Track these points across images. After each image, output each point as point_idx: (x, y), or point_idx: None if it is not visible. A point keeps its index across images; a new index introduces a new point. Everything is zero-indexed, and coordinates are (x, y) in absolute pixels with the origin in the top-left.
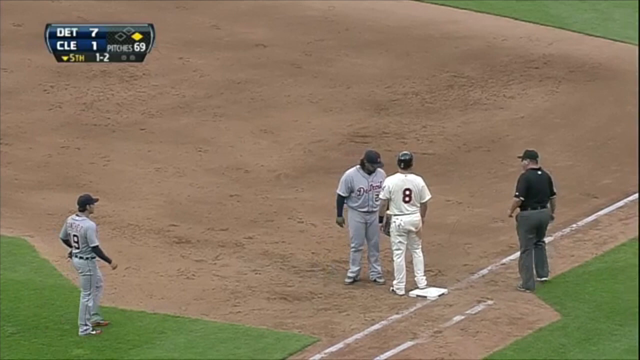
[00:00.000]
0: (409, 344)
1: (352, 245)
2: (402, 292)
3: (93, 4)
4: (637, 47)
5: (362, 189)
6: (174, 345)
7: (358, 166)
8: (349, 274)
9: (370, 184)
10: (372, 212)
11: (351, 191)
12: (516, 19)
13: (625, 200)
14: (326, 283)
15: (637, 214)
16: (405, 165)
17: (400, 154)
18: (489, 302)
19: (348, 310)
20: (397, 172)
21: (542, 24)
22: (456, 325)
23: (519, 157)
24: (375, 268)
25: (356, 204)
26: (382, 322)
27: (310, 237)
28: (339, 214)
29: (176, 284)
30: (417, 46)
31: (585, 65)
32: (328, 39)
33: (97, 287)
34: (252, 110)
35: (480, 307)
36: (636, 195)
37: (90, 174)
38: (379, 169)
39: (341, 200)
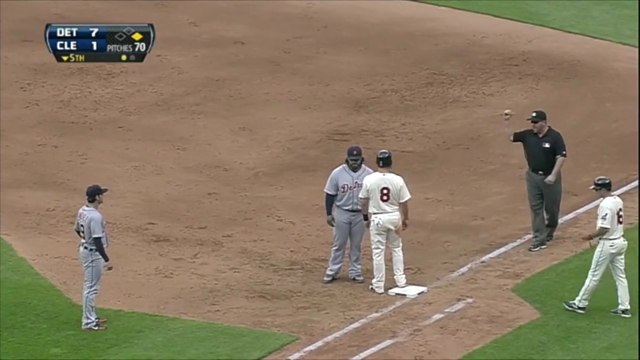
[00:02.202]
0: (389, 342)
1: (335, 244)
2: (382, 291)
3: (72, 3)
4: (637, 48)
5: (346, 186)
6: (152, 344)
7: (344, 164)
8: (328, 272)
9: (355, 181)
10: (357, 210)
11: (337, 189)
12: (496, 16)
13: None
14: (305, 281)
15: (637, 209)
16: (384, 163)
17: (379, 152)
18: (469, 300)
19: (327, 309)
20: (377, 170)
21: (521, 22)
22: (436, 324)
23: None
24: (355, 267)
25: (340, 202)
26: (362, 320)
27: (289, 236)
28: (328, 213)
29: (154, 283)
30: (396, 43)
31: (564, 63)
32: (307, 36)
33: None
34: (230, 107)
35: (459, 305)
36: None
37: (68, 172)
38: (367, 168)
39: (330, 199)
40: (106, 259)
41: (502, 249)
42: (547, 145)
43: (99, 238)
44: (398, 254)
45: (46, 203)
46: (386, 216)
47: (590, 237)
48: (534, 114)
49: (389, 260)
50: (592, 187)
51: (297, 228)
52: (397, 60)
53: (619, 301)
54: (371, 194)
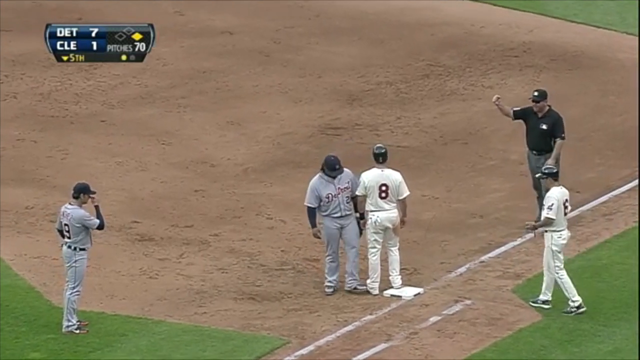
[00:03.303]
0: (383, 346)
1: (328, 253)
2: (376, 292)
3: None
4: (630, 36)
5: (330, 195)
6: (136, 348)
7: (320, 172)
8: (328, 284)
9: (337, 187)
10: (347, 215)
11: (320, 200)
12: (495, 5)
13: (609, 195)
14: (296, 282)
15: (638, 205)
16: (383, 159)
17: (375, 147)
18: (467, 302)
19: (319, 311)
20: (374, 166)
21: (522, 10)
22: (432, 326)
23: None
24: (353, 275)
25: (327, 212)
26: (355, 323)
27: (279, 234)
28: (313, 225)
29: (138, 284)
30: (391, 33)
31: (566, 54)
32: (298, 25)
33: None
34: (218, 101)
35: (457, 307)
36: (621, 189)
37: (48, 168)
38: (345, 170)
39: (312, 212)
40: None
41: (502, 249)
42: (544, 126)
43: (100, 223)
44: (394, 254)
45: (25, 200)
46: (384, 214)
47: (534, 227)
48: (535, 93)
49: (384, 260)
50: (538, 175)
51: (287, 226)
52: (392, 51)
53: (543, 290)
54: (369, 190)
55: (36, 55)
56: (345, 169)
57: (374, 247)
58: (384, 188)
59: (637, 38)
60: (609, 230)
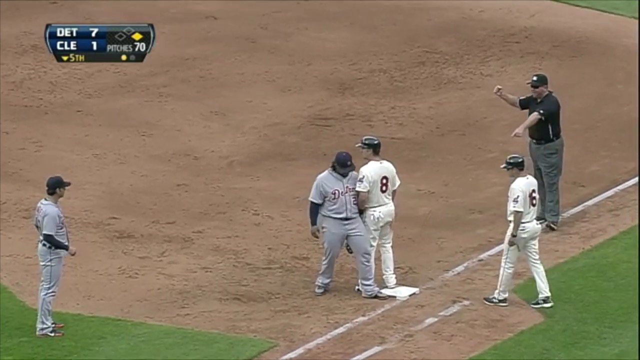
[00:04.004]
0: (377, 349)
1: (325, 258)
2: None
3: None
4: (637, 21)
5: (337, 192)
6: (115, 352)
7: (330, 169)
8: (319, 284)
9: (346, 185)
10: (353, 218)
11: (325, 196)
12: None
13: (615, 189)
14: (284, 282)
15: (638, 201)
16: (379, 150)
17: (368, 139)
18: (465, 302)
19: (309, 312)
20: (371, 160)
21: None
22: (428, 328)
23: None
24: (367, 283)
25: (332, 208)
26: (347, 325)
27: (266, 231)
28: (313, 223)
29: (117, 284)
30: (385, 18)
31: (570, 39)
32: (286, 10)
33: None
34: (201, 89)
35: (455, 308)
36: (627, 183)
37: (21, 160)
38: (352, 172)
39: (315, 209)
40: (67, 249)
41: (502, 246)
42: (540, 111)
43: (51, 235)
44: (388, 251)
45: None
46: (385, 208)
47: (514, 236)
48: (534, 78)
49: (376, 258)
50: (503, 165)
51: (275, 223)
52: (386, 37)
53: (538, 290)
54: (372, 186)
55: (7, 41)
56: (352, 172)
57: (371, 246)
58: (384, 181)
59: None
60: (615, 227)
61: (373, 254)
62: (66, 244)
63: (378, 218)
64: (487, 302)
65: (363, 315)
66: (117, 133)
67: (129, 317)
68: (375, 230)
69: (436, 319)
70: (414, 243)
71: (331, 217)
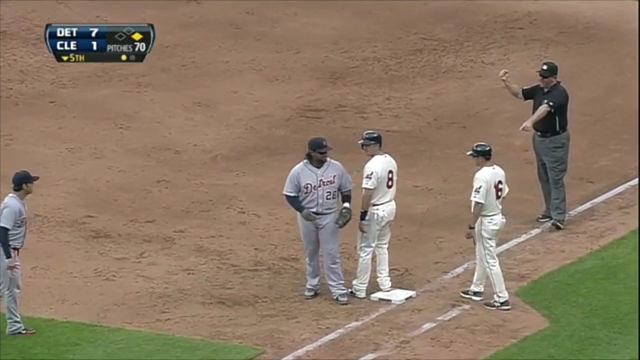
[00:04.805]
0: (371, 356)
1: (305, 254)
2: (363, 295)
3: None
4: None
5: (309, 185)
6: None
7: (305, 160)
8: (308, 287)
9: (319, 179)
10: (324, 214)
11: (298, 189)
12: None
13: (626, 185)
14: (272, 285)
15: (638, 208)
16: (381, 143)
17: (369, 133)
18: (465, 306)
19: (298, 317)
20: (375, 154)
21: None
22: (426, 334)
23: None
24: (334, 283)
25: (304, 201)
26: (339, 330)
27: (253, 230)
28: (301, 209)
29: (93, 287)
30: (379, 3)
31: (578, 25)
32: None
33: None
34: (183, 79)
35: (454, 313)
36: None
37: None
38: (332, 161)
39: (294, 199)
40: (7, 256)
41: (505, 246)
42: (549, 103)
43: (5, 229)
44: (384, 252)
45: None
46: (389, 206)
47: (470, 227)
48: (544, 67)
49: (371, 258)
50: (469, 152)
51: (262, 221)
52: (381, 22)
53: (474, 281)
54: (380, 182)
55: None
56: (334, 161)
57: (369, 247)
58: (390, 176)
59: None
60: (626, 225)
61: (332, 255)
62: (17, 245)
63: (382, 217)
64: (488, 307)
65: (356, 320)
66: (93, 126)
67: (106, 322)
68: (377, 230)
69: (434, 324)
70: (411, 243)
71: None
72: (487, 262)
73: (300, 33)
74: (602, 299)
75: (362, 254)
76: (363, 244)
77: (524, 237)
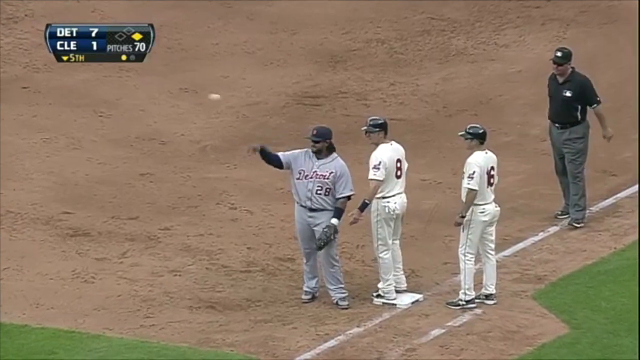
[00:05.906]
0: None
1: (303, 254)
2: (394, 296)
3: None
4: None
5: (302, 172)
6: None
7: (310, 147)
8: (305, 289)
9: (314, 170)
10: (318, 210)
11: (289, 168)
12: None
13: None
14: (266, 287)
15: (638, 209)
16: (387, 130)
17: (373, 119)
18: (477, 311)
19: (294, 323)
20: (381, 143)
21: None
22: (434, 341)
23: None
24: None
25: (293, 191)
26: (339, 337)
27: (245, 228)
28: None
29: (71, 290)
30: None
31: (600, 4)
32: None
33: None
34: (169, 63)
35: (465, 318)
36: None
37: None
38: (339, 160)
39: (275, 157)
40: None
41: (520, 245)
42: (567, 93)
43: None
44: (397, 248)
45: None
46: (400, 198)
47: (462, 216)
48: (558, 54)
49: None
50: (461, 133)
51: (255, 218)
52: (385, 1)
53: (483, 283)
54: (389, 172)
55: None
56: (341, 161)
57: (386, 245)
58: (398, 165)
59: None
60: None
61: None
62: None
63: (394, 210)
64: (452, 307)
65: (358, 326)
66: (70, 113)
67: (85, 328)
68: (387, 226)
69: (443, 331)
70: (418, 242)
71: (296, 202)
72: (464, 255)
73: (297, 12)
74: (627, 302)
75: (382, 254)
76: (380, 243)
77: (541, 236)
